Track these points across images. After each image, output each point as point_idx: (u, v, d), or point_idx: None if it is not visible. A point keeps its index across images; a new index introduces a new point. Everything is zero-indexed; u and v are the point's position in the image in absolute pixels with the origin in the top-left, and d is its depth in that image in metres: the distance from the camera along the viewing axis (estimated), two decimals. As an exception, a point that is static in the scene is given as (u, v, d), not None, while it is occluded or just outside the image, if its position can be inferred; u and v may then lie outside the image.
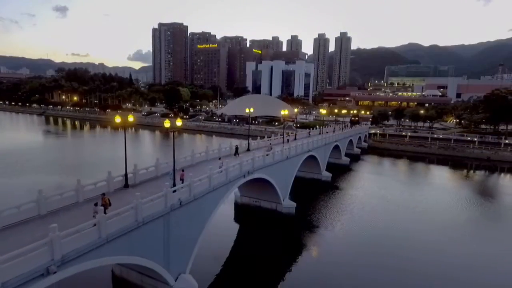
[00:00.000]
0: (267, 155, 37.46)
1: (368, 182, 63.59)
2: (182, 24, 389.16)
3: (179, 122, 23.72)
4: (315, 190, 54.36)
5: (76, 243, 16.41)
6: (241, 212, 43.71)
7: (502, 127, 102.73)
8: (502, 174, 78.96)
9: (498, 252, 34.96)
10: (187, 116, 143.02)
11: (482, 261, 32.92)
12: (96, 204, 18.75)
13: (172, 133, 24.49)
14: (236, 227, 40.45)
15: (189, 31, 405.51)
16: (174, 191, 23.13)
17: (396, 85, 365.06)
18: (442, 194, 56.39)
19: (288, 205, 42.45)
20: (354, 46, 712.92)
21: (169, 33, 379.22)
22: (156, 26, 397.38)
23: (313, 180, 57.74)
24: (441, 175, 74.27)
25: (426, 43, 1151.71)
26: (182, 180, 25.98)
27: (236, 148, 41.35)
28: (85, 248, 16.69)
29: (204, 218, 26.56)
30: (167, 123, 22.64)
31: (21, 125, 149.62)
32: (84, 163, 69.42)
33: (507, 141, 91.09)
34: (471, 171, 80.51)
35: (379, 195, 53.67)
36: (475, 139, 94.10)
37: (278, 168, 39.92)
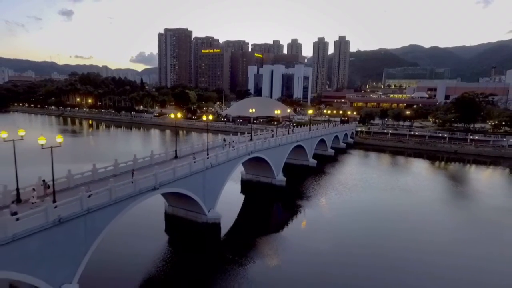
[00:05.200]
0: (264, 141, 53.24)
1: (350, 168, 79.02)
2: (187, 29, 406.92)
3: (210, 117, 39.36)
4: (303, 172, 70.23)
5: (165, 178, 32.23)
6: (246, 185, 59.62)
7: (476, 125, 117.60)
8: (468, 165, 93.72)
9: (448, 218, 48.60)
10: (195, 117, 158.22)
11: (434, 223, 45.11)
12: (194, 154, 35.86)
13: (211, 130, 39.45)
14: (242, 194, 56.31)
15: (193, 36, 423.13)
16: (208, 157, 38.93)
17: (393, 87, 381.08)
18: (413, 178, 71.12)
19: (280, 179, 58.24)
20: (354, 48, 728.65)
21: (174, 38, 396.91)
22: (162, 31, 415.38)
23: (301, 165, 73.34)
24: (415, 165, 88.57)
25: (426, 44, 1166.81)
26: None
27: (224, 140, 54.29)
28: (168, 180, 32.59)
29: (224, 177, 42.57)
30: (204, 117, 38.18)
31: (43, 126, 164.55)
32: (111, 153, 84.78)
33: (471, 137, 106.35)
34: (442, 162, 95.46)
35: (360, 178, 67.99)
36: (445, 135, 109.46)
37: (273, 151, 55.75)
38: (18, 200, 25.53)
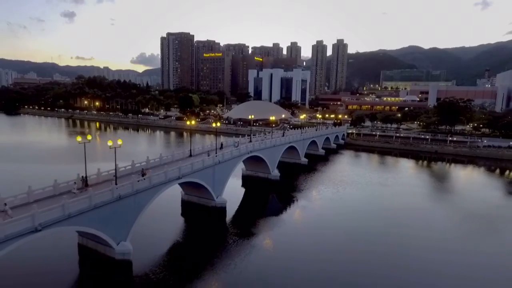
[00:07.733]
0: (261, 143, 64.16)
1: (338, 166, 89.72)
2: (189, 33, 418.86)
3: (218, 123, 50.33)
4: (295, 169, 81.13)
5: (185, 170, 43.10)
6: (246, 179, 70.52)
7: (458, 127, 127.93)
8: (447, 164, 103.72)
9: (424, 206, 58.72)
10: (199, 119, 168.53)
11: (404, 207, 56.31)
12: (207, 153, 46.75)
13: (214, 132, 49.99)
14: (243, 186, 67.25)
15: (195, 39, 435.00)
16: (216, 155, 49.88)
17: (389, 89, 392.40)
18: (394, 175, 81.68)
19: (275, 174, 69.16)
20: (353, 49, 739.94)
21: (176, 41, 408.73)
22: (163, 33, 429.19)
23: (294, 163, 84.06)
24: (399, 164, 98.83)
25: (426, 46, 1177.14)
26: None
27: (221, 144, 63.30)
28: (188, 172, 43.50)
29: (229, 170, 53.72)
30: (214, 124, 49.15)
31: (56, 128, 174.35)
32: (133, 152, 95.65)
33: (451, 138, 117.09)
34: (424, 161, 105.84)
35: (347, 175, 78.24)
36: (428, 136, 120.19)
37: (269, 151, 66.69)
38: (86, 184, 36.37)
